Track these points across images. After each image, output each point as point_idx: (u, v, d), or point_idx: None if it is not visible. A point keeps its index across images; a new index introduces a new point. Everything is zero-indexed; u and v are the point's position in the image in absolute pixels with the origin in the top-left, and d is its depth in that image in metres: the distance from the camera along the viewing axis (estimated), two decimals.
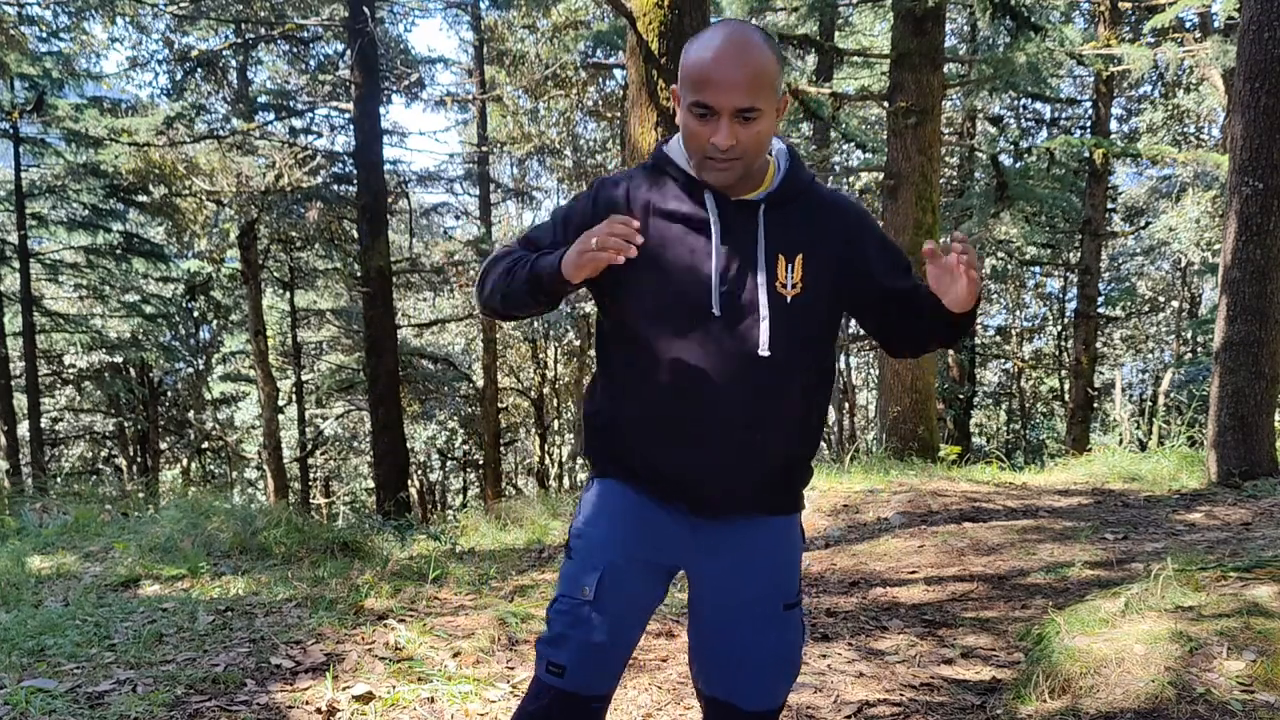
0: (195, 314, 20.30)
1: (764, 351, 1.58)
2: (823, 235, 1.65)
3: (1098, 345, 18.36)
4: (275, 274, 18.70)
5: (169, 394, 21.02)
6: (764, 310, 1.58)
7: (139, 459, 20.01)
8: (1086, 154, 14.59)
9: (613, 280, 1.59)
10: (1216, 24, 13.03)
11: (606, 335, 1.73)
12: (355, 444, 22.40)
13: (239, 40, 15.55)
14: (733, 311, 1.58)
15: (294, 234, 16.48)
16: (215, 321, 20.81)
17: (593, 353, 1.77)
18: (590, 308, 15.36)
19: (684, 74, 1.55)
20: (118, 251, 16.74)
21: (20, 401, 15.84)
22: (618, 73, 15.40)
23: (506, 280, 1.63)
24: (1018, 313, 23.48)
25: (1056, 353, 22.10)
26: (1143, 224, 19.28)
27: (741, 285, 1.58)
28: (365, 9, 12.47)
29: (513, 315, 1.73)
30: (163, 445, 20.81)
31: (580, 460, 21.73)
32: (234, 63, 16.61)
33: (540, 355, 21.64)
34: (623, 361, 1.67)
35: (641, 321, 1.62)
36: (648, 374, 1.62)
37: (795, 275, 1.61)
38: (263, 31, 15.60)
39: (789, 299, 1.60)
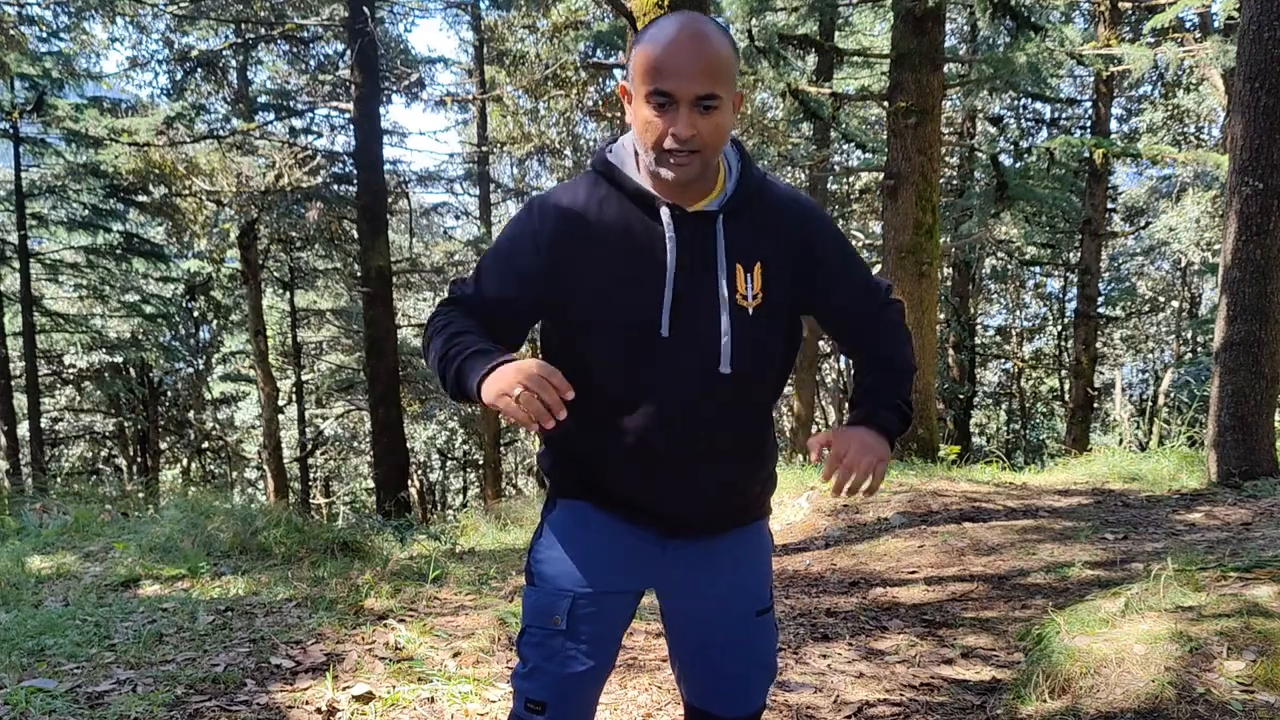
0: (195, 314, 20.31)
1: (725, 369, 1.51)
2: (780, 240, 1.56)
3: (1098, 345, 18.35)
4: (275, 274, 18.71)
5: (169, 394, 21.02)
6: (725, 325, 1.50)
7: (139, 459, 20.01)
8: (1086, 154, 14.58)
9: (560, 299, 1.53)
10: (1216, 24, 13.02)
11: (555, 351, 1.62)
12: (355, 444, 22.42)
13: (239, 40, 15.55)
14: (691, 330, 1.50)
15: (294, 234, 16.49)
16: (215, 321, 20.81)
17: None
18: None
19: (638, 64, 1.46)
20: (118, 251, 16.74)
21: (20, 401, 15.84)
22: (618, 73, 15.40)
23: (440, 365, 1.49)
24: (1018, 313, 23.49)
25: (1056, 353, 22.11)
26: (1143, 224, 19.28)
27: (701, 302, 1.50)
28: (365, 9, 12.47)
29: None
30: (163, 445, 20.81)
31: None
32: (234, 63, 16.62)
33: (541, 356, 21.60)
34: (576, 384, 1.46)
35: (594, 342, 1.53)
36: (605, 398, 1.53)
37: (755, 285, 1.53)
38: (263, 31, 15.60)
39: (750, 310, 1.52)
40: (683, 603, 1.69)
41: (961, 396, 17.93)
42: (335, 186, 16.05)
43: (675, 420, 1.53)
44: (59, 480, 14.95)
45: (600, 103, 15.98)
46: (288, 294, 19.61)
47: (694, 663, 1.72)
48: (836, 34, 15.72)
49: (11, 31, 13.59)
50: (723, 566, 1.66)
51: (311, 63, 16.95)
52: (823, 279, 1.60)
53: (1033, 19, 9.68)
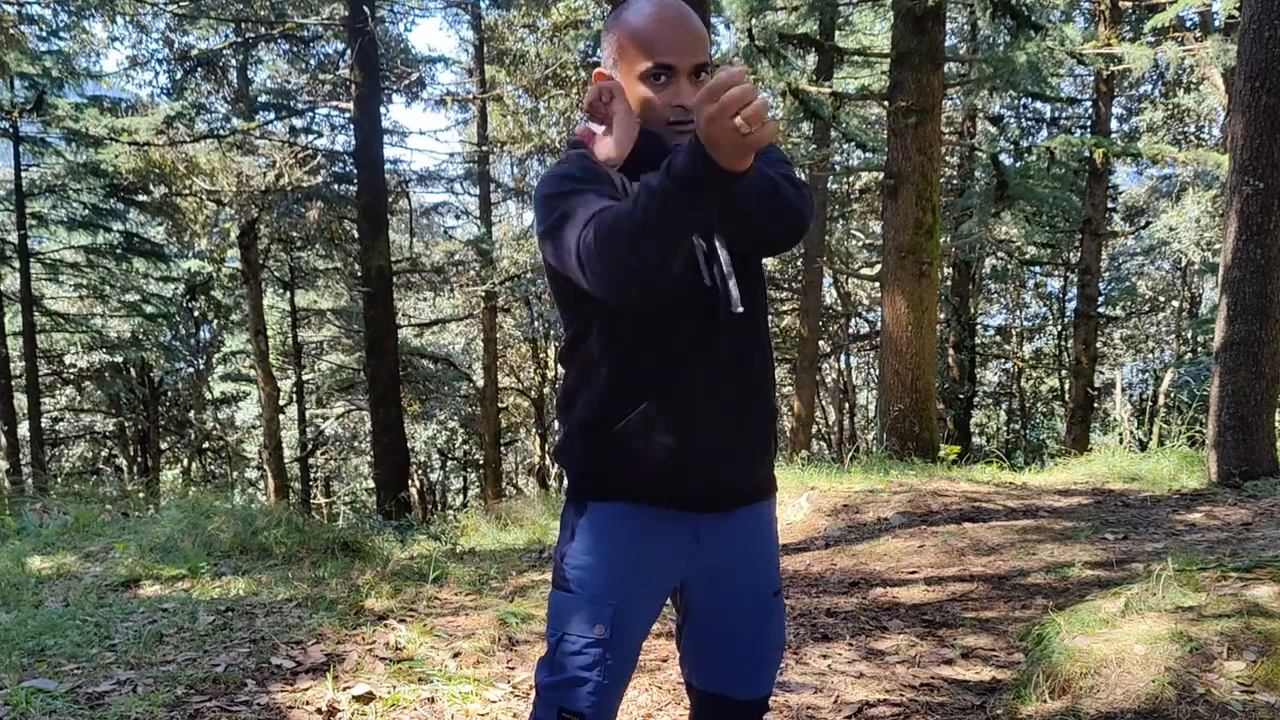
0: (195, 314, 20.30)
1: (738, 309, 1.50)
2: None
3: (1098, 345, 18.36)
4: (275, 274, 18.71)
5: (169, 394, 21.02)
6: (726, 267, 1.52)
7: (139, 459, 20.00)
8: (1086, 153, 14.57)
9: None
10: (1217, 23, 13.02)
11: (589, 336, 1.59)
12: (355, 444, 22.42)
13: (239, 39, 15.55)
14: (713, 279, 1.54)
15: (294, 234, 16.49)
16: (215, 321, 20.80)
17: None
18: None
19: (630, 43, 1.48)
20: (118, 251, 16.73)
21: (20, 401, 15.84)
22: None
23: (643, 207, 1.30)
24: (1018, 313, 23.49)
25: (1056, 353, 22.10)
26: (1143, 224, 19.28)
27: (714, 251, 1.54)
28: (365, 8, 12.46)
29: (655, 260, 1.36)
30: (163, 445, 20.81)
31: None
32: (234, 62, 16.62)
33: (540, 355, 21.65)
34: (616, 358, 1.54)
35: (632, 310, 1.51)
36: (646, 365, 1.54)
37: None
38: (263, 31, 15.60)
39: None
40: (706, 588, 1.69)
41: (961, 396, 17.92)
42: (335, 186, 16.05)
43: (714, 369, 1.55)
44: (59, 480, 14.95)
45: None
46: (288, 294, 19.60)
47: (713, 648, 1.72)
48: (836, 33, 15.72)
49: (11, 31, 13.59)
50: (744, 547, 1.67)
51: (311, 62, 16.95)
52: None
53: (1033, 18, 9.67)
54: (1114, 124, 18.63)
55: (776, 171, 1.51)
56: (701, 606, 1.72)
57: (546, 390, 21.68)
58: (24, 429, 15.47)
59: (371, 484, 17.00)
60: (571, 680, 1.57)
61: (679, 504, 1.60)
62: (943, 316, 17.10)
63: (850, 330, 21.61)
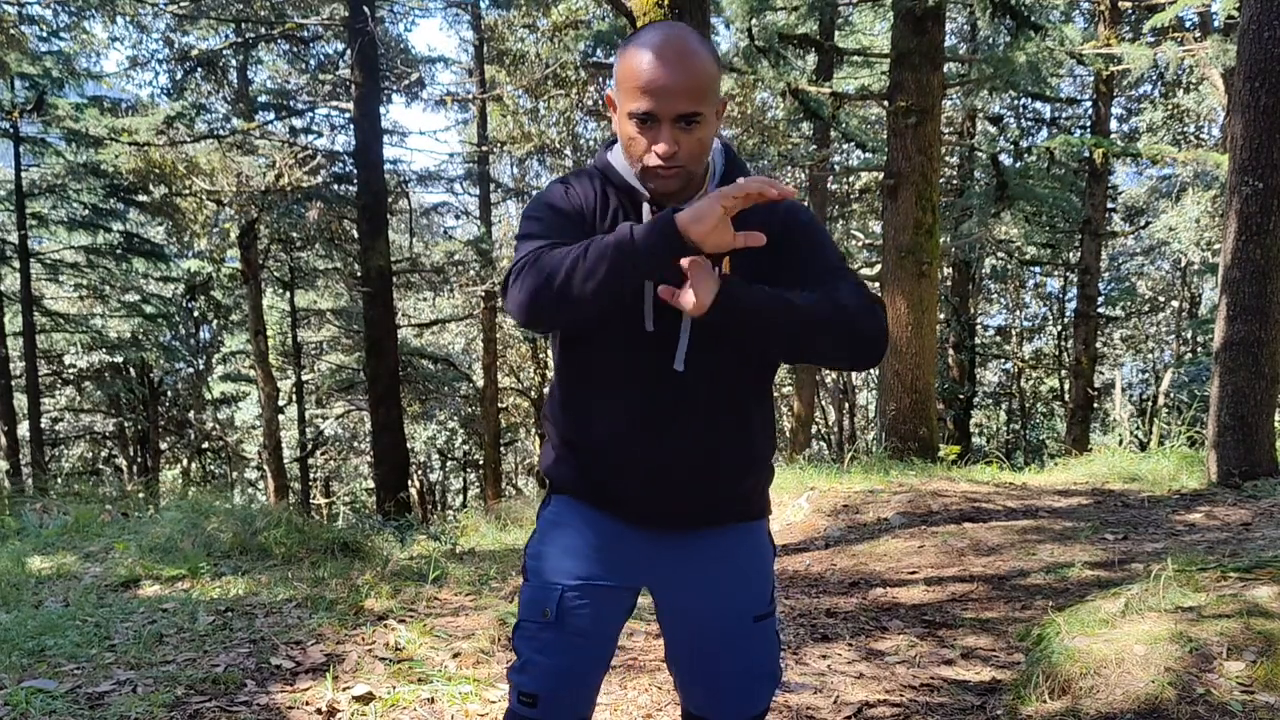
0: (195, 314, 20.31)
1: (679, 366, 1.53)
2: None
3: (1098, 345, 18.34)
4: (275, 274, 18.71)
5: (169, 394, 21.01)
6: (685, 323, 1.52)
7: (139, 459, 20.00)
8: (1086, 154, 14.59)
9: None
10: (1216, 23, 13.02)
11: (560, 350, 1.65)
12: (355, 444, 22.42)
13: (239, 40, 15.55)
14: (666, 326, 1.53)
15: (294, 234, 16.49)
16: (215, 321, 20.81)
17: None
18: None
19: (621, 79, 1.49)
20: (118, 251, 16.73)
21: (20, 401, 15.84)
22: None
23: (578, 263, 1.38)
24: (1018, 313, 23.49)
25: (1056, 353, 22.10)
26: (1143, 224, 19.28)
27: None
28: (365, 8, 12.45)
29: (592, 304, 1.41)
30: (163, 445, 20.81)
31: None
32: (234, 62, 16.62)
33: (540, 355, 21.64)
34: (574, 378, 1.62)
35: (587, 338, 1.58)
36: (596, 391, 1.59)
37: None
38: (263, 31, 15.59)
39: None
40: (675, 602, 1.68)
41: (961, 396, 17.92)
42: (335, 186, 16.05)
43: (653, 412, 1.56)
44: (59, 480, 14.95)
45: (600, 102, 15.98)
46: (288, 294, 19.61)
47: (689, 668, 1.72)
48: (836, 33, 15.72)
49: (12, 31, 13.59)
50: (712, 564, 1.64)
51: (311, 62, 16.95)
52: (788, 270, 1.56)
53: (1032, 18, 9.68)
54: (1114, 124, 18.63)
55: (847, 290, 1.50)
56: (673, 618, 1.71)
57: (546, 390, 21.62)
58: (24, 429, 15.46)
59: (371, 484, 17.00)
60: (525, 664, 1.63)
61: (642, 526, 1.63)
62: (943, 316, 17.10)
63: None
